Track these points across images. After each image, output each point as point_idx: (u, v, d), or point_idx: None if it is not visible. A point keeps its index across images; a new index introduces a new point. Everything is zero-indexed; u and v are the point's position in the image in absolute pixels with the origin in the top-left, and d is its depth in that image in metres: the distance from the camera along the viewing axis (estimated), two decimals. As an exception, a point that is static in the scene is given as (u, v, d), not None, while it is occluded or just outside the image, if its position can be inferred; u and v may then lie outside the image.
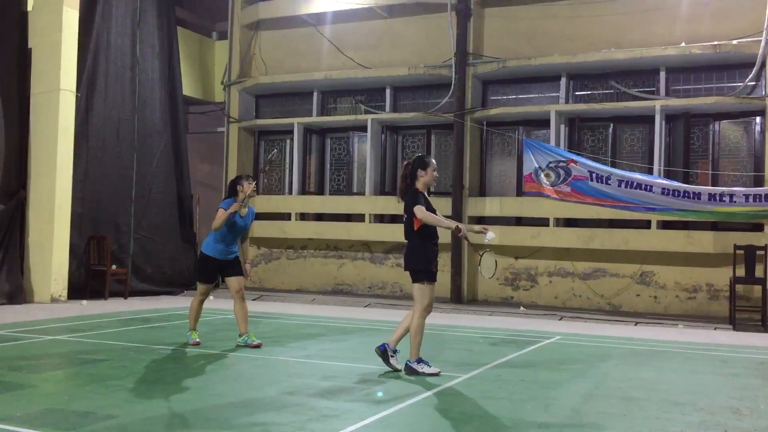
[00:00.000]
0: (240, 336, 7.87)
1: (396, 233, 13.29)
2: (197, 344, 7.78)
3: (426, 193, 6.68)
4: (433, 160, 6.72)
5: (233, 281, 7.79)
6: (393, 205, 13.55)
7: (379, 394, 5.68)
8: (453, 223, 6.54)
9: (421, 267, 6.44)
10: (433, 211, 6.52)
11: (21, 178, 12.13)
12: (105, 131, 13.12)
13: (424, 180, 6.59)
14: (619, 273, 12.49)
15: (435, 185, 6.95)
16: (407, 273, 6.58)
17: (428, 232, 6.49)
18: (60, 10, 11.97)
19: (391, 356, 6.54)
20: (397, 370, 6.49)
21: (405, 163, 6.77)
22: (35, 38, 12.24)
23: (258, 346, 7.73)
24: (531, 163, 11.38)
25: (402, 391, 5.75)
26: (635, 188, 10.66)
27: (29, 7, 12.42)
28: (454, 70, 13.20)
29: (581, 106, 12.76)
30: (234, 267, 7.85)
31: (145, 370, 6.48)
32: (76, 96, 12.33)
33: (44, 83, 12.07)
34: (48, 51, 12.06)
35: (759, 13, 11.58)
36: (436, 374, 6.36)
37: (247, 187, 7.70)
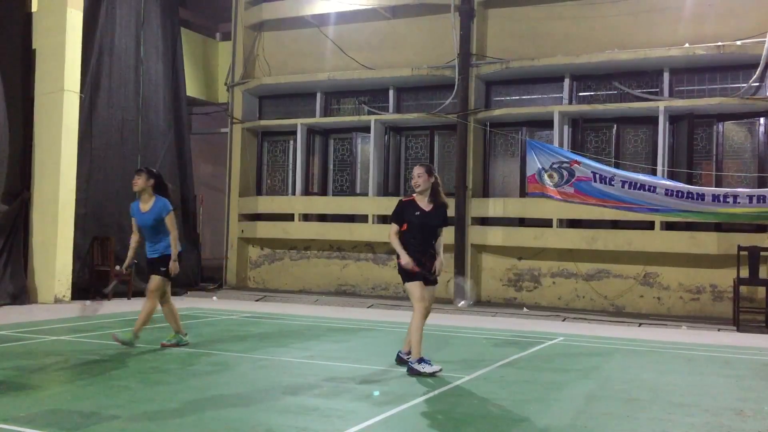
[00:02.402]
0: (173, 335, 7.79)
1: (399, 234, 13.28)
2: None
3: (428, 197, 6.73)
4: (417, 167, 6.92)
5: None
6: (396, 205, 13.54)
7: (375, 393, 5.68)
8: (403, 255, 6.54)
9: (400, 269, 6.67)
10: (424, 216, 6.65)
11: (25, 178, 12.16)
12: (109, 132, 13.14)
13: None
14: (623, 274, 12.47)
15: (419, 188, 6.80)
16: None
17: (404, 238, 6.65)
18: (64, 12, 12.00)
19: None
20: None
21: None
22: (39, 39, 12.28)
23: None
24: (534, 164, 11.38)
25: (405, 392, 5.75)
26: (639, 189, 10.64)
27: (33, 9, 12.47)
28: (457, 70, 13.19)
29: (584, 107, 12.74)
30: (152, 266, 7.95)
31: (149, 370, 6.49)
32: (80, 97, 12.35)
33: (48, 84, 12.10)
34: (52, 52, 12.09)
35: (763, 14, 11.57)
36: (438, 371, 6.36)
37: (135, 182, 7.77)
